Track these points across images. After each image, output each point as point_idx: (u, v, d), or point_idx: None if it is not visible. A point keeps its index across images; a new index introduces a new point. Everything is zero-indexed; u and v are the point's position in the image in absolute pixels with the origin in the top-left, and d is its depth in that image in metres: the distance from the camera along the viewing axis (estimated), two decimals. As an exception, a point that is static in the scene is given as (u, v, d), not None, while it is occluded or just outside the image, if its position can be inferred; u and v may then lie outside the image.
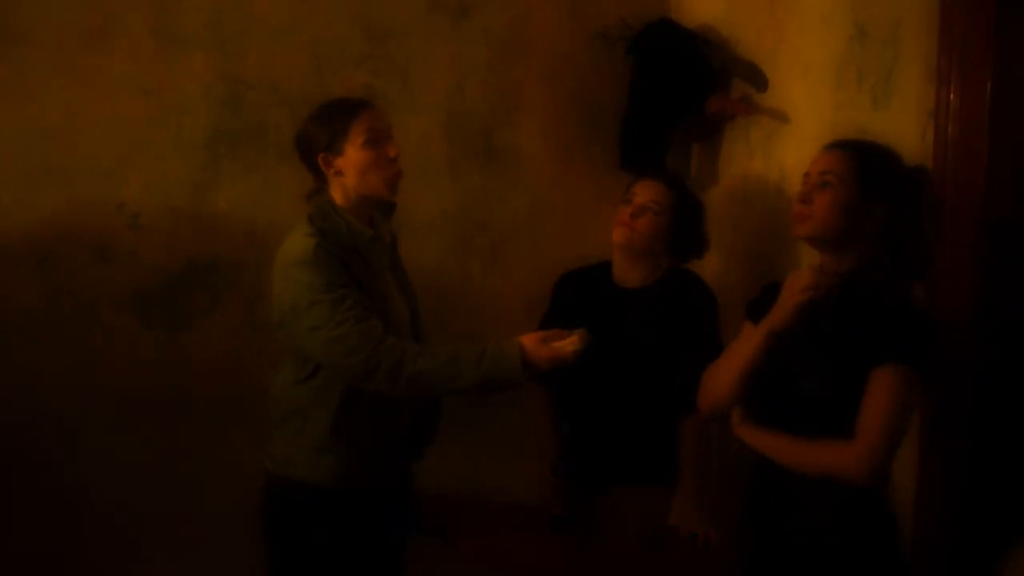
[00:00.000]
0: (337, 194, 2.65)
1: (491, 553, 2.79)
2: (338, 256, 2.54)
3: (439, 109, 3.57)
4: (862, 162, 2.31)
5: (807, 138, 3.01)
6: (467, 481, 3.09)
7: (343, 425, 2.61)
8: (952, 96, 2.52)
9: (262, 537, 2.70)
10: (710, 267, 3.36)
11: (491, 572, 2.82)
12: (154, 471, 3.29)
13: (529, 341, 2.47)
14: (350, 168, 2.60)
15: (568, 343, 2.46)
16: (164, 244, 3.31)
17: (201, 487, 3.25)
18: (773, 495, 2.35)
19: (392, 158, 2.62)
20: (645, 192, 2.99)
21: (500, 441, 3.23)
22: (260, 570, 2.71)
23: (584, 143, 3.67)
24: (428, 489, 2.93)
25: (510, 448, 3.21)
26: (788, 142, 3.17)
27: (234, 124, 3.36)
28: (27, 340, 3.21)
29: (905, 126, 2.64)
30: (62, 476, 3.23)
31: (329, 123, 2.61)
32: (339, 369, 2.53)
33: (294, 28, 3.43)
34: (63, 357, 3.24)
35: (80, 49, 3.25)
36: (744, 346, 2.37)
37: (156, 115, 3.31)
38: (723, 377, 2.41)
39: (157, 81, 3.31)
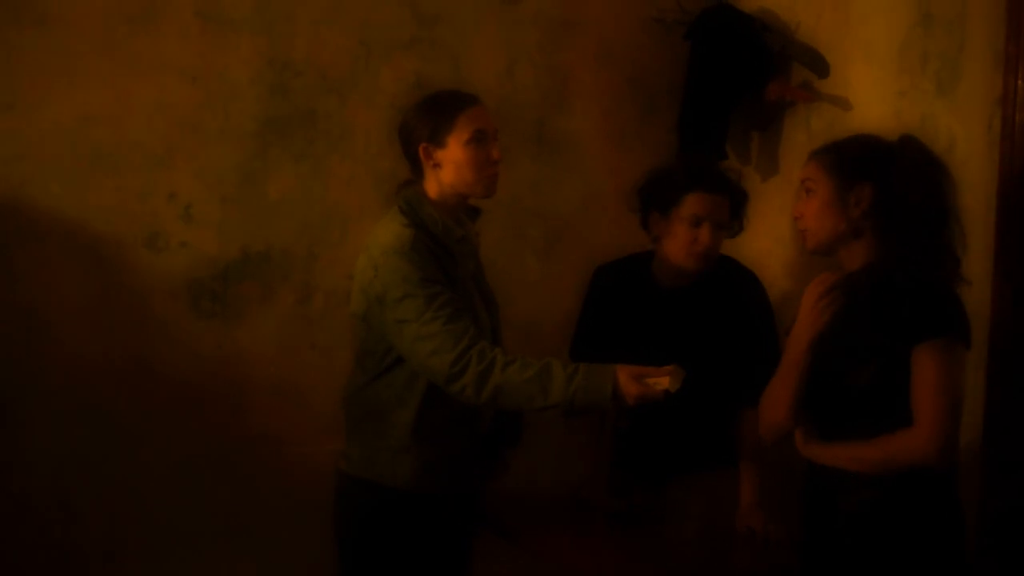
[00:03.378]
0: (432, 188, 2.71)
1: (551, 549, 2.87)
2: (431, 250, 2.61)
3: (490, 95, 3.51)
4: (834, 154, 2.41)
5: (870, 125, 2.99)
6: (526, 478, 3.15)
7: (424, 426, 2.66)
8: (1020, 83, 2.59)
9: (334, 537, 2.79)
10: (768, 256, 3.47)
11: (551, 568, 2.90)
12: (207, 462, 3.43)
13: (623, 373, 2.47)
14: (449, 163, 2.66)
15: (662, 380, 2.48)
16: (215, 234, 3.43)
17: (253, 479, 3.39)
18: (827, 481, 2.43)
19: (495, 160, 2.67)
20: (712, 212, 2.93)
21: (558, 437, 3.36)
22: (314, 563, 2.86)
23: (639, 129, 3.75)
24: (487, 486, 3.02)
25: (568, 444, 3.28)
26: (850, 130, 3.09)
27: (283, 111, 3.47)
28: (79, 331, 3.34)
29: (970, 114, 2.71)
30: (115, 468, 3.37)
31: (435, 114, 2.67)
32: (423, 369, 2.57)
33: (342, 11, 3.54)
34: (115, 348, 3.37)
35: (126, 33, 3.36)
36: (787, 369, 2.45)
37: (204, 101, 3.42)
38: (776, 401, 2.48)
39: (204, 66, 3.42)
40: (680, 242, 2.93)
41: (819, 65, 3.34)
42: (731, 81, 3.55)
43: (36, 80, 3.30)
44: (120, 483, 3.38)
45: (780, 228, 3.50)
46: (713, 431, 3.01)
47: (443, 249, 2.67)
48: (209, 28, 3.44)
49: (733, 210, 2.97)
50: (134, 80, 3.38)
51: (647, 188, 3.01)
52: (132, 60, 3.38)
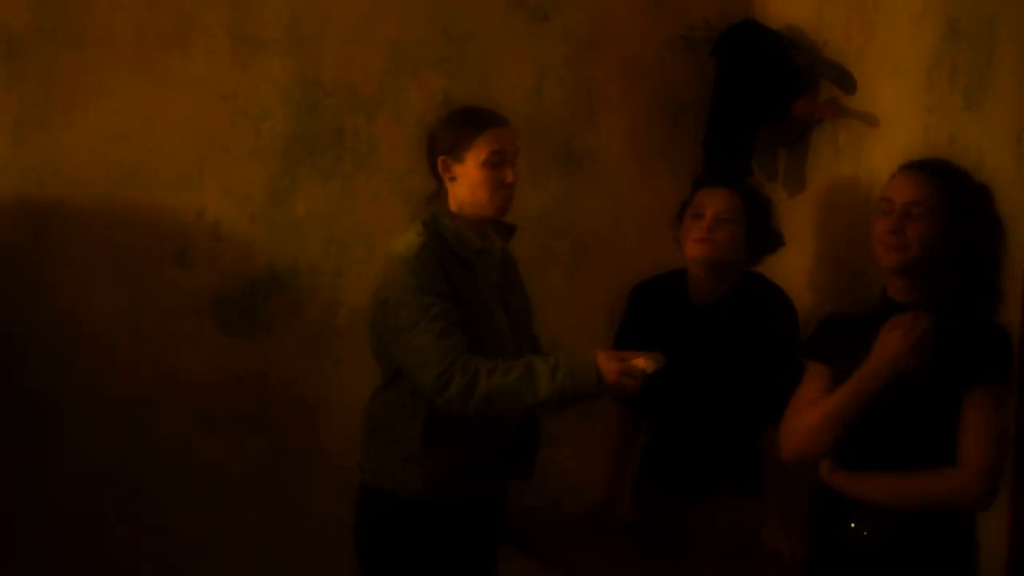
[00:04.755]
0: (452, 200, 2.77)
1: (575, 565, 2.89)
2: (441, 262, 2.66)
3: (517, 112, 3.56)
4: (949, 190, 2.42)
5: (897, 141, 3.08)
6: (550, 492, 3.21)
7: (433, 435, 2.70)
8: (1049, 97, 2.56)
9: (354, 548, 2.83)
10: (796, 274, 3.46)
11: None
12: (234, 476, 3.49)
13: (602, 354, 2.59)
14: (464, 178, 2.72)
15: (640, 360, 2.58)
16: (243, 251, 3.49)
17: (279, 493, 3.45)
18: (842, 507, 2.44)
19: (508, 183, 2.73)
20: (714, 203, 3.06)
21: (583, 453, 3.39)
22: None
23: (666, 146, 3.77)
24: (513, 499, 3.02)
25: (592, 459, 3.35)
26: (878, 145, 3.22)
27: (311, 129, 3.53)
28: (109, 345, 3.43)
29: (999, 128, 2.69)
30: (143, 480, 3.45)
31: (458, 128, 2.74)
32: (411, 381, 2.65)
33: (370, 30, 3.59)
34: (145, 362, 3.44)
35: (157, 52, 3.44)
36: (843, 397, 2.40)
37: (234, 120, 3.50)
38: (813, 428, 2.45)
39: (234, 85, 3.50)
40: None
41: (846, 81, 3.33)
42: (757, 98, 3.55)
43: (70, 99, 3.40)
44: (148, 495, 3.45)
45: (807, 244, 3.51)
46: (738, 449, 3.03)
47: (458, 260, 2.72)
48: (240, 48, 3.51)
49: None
50: (165, 99, 3.46)
51: None
52: (164, 79, 3.46)
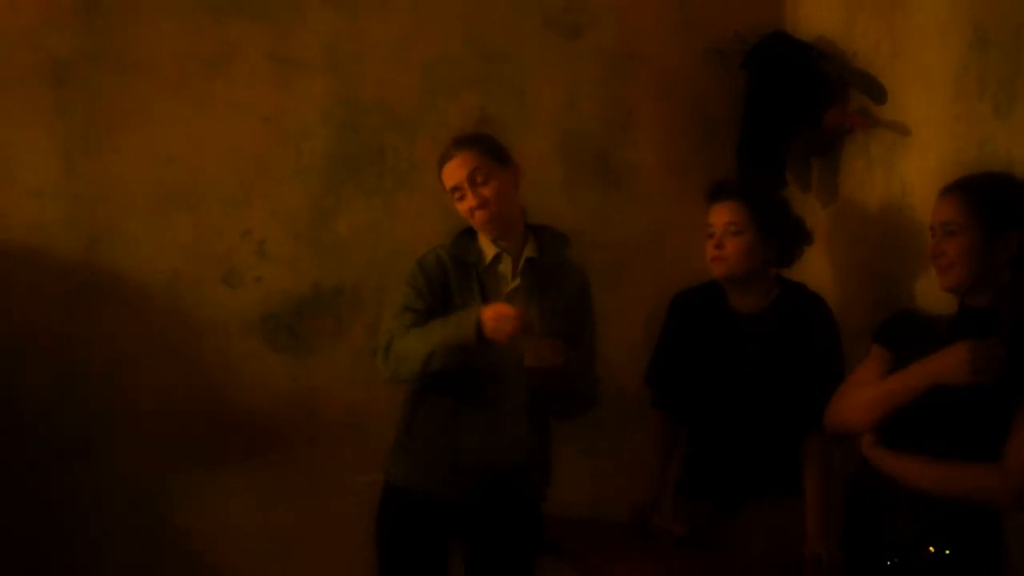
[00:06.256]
0: None
1: (616, 574, 2.91)
2: (444, 269, 2.89)
3: (553, 128, 3.77)
4: (979, 200, 2.47)
5: (929, 150, 3.13)
6: (593, 501, 3.30)
7: (415, 425, 2.95)
8: (1079, 105, 2.60)
9: None
10: (829, 284, 3.51)
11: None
12: (282, 491, 3.57)
13: (486, 308, 2.76)
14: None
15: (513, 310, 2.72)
16: (288, 270, 3.59)
17: (326, 508, 3.52)
18: (873, 511, 2.51)
19: (471, 207, 2.89)
20: (719, 218, 3.09)
21: (625, 462, 3.44)
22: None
23: (701, 159, 3.81)
24: (554, 509, 3.09)
25: (635, 468, 3.38)
26: (909, 155, 3.25)
27: (352, 149, 3.62)
28: (159, 363, 3.52)
29: None
30: (193, 496, 3.54)
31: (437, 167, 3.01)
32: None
33: (407, 51, 3.68)
34: (193, 380, 3.54)
35: (200, 76, 3.55)
36: (897, 383, 2.50)
37: (276, 141, 3.60)
38: (862, 404, 2.56)
39: (276, 107, 3.60)
40: None
41: (876, 91, 3.38)
42: (789, 109, 3.60)
43: (116, 124, 3.51)
44: (198, 507, 3.54)
45: (840, 254, 3.56)
46: (779, 457, 3.05)
47: (463, 270, 2.92)
48: (281, 70, 3.61)
49: None
50: (209, 122, 3.57)
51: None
52: (207, 102, 3.56)
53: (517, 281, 2.96)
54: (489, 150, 2.95)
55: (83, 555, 3.51)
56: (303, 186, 3.63)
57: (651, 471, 3.26)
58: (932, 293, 2.80)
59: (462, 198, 2.92)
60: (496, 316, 2.71)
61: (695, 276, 3.24)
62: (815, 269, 3.50)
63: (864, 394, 2.58)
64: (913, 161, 3.25)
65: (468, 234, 3.00)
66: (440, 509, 2.92)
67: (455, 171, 2.92)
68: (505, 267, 2.96)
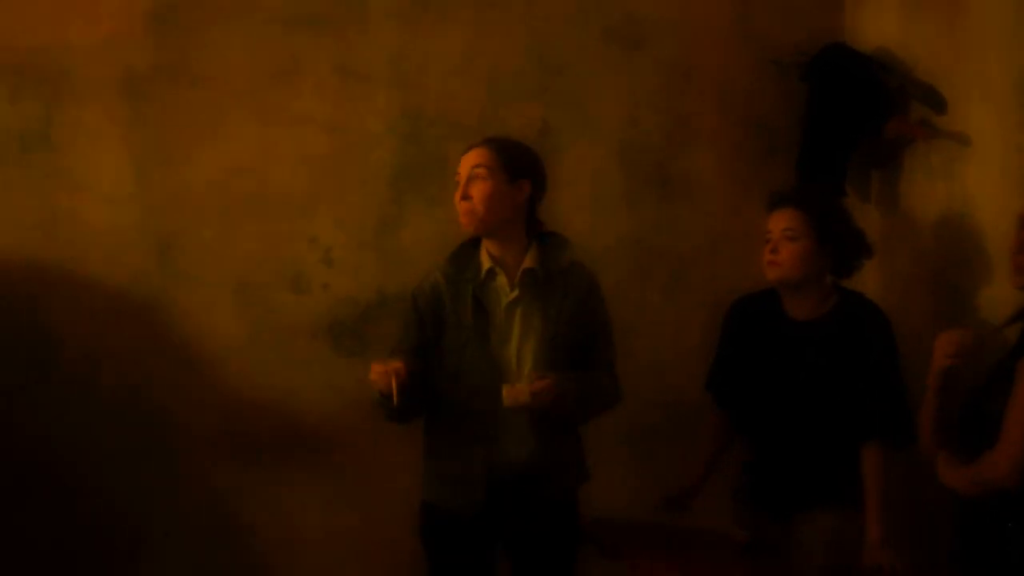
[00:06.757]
0: None
1: None
2: (435, 298, 2.98)
3: (613, 139, 3.80)
4: None
5: (990, 160, 3.13)
6: (650, 507, 3.28)
7: (430, 440, 3.03)
8: None
9: None
10: (890, 294, 3.51)
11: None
12: (349, 493, 3.67)
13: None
14: None
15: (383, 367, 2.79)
16: (354, 276, 3.66)
17: (391, 509, 3.54)
18: (983, 526, 2.52)
19: (458, 201, 2.94)
20: (776, 223, 3.11)
21: (682, 469, 3.46)
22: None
23: (760, 169, 3.81)
24: (610, 514, 3.16)
25: (674, 471, 3.41)
26: (970, 165, 3.25)
27: (417, 159, 3.69)
28: (229, 367, 3.63)
29: None
30: (263, 496, 3.64)
31: None
32: None
33: (470, 63, 3.74)
34: (263, 383, 3.63)
35: (269, 89, 3.65)
36: (926, 404, 2.63)
37: (342, 151, 3.68)
38: (921, 428, 2.68)
39: (343, 118, 3.68)
40: None
41: (936, 101, 3.39)
42: (849, 119, 3.61)
43: (189, 135, 3.61)
44: (272, 507, 3.64)
45: (900, 265, 3.56)
46: (836, 466, 3.06)
47: (457, 287, 2.98)
48: (347, 82, 3.69)
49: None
50: (277, 133, 3.66)
51: None
52: (275, 114, 3.66)
53: (516, 293, 2.97)
54: (504, 157, 2.96)
55: (150, 554, 3.63)
56: (368, 195, 3.70)
57: (699, 464, 3.33)
58: (999, 301, 2.83)
59: (457, 185, 2.97)
60: (374, 371, 2.79)
61: (753, 285, 3.26)
62: (875, 280, 3.50)
63: (920, 418, 2.68)
64: (974, 171, 3.25)
65: (471, 244, 3.04)
66: (464, 520, 2.97)
67: (464, 161, 2.97)
68: (502, 280, 2.98)
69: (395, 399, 2.75)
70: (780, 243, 3.09)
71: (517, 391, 2.78)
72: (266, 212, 3.65)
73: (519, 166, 2.96)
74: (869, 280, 3.39)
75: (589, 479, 3.08)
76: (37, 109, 3.55)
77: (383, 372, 2.77)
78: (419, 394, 2.87)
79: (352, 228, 3.70)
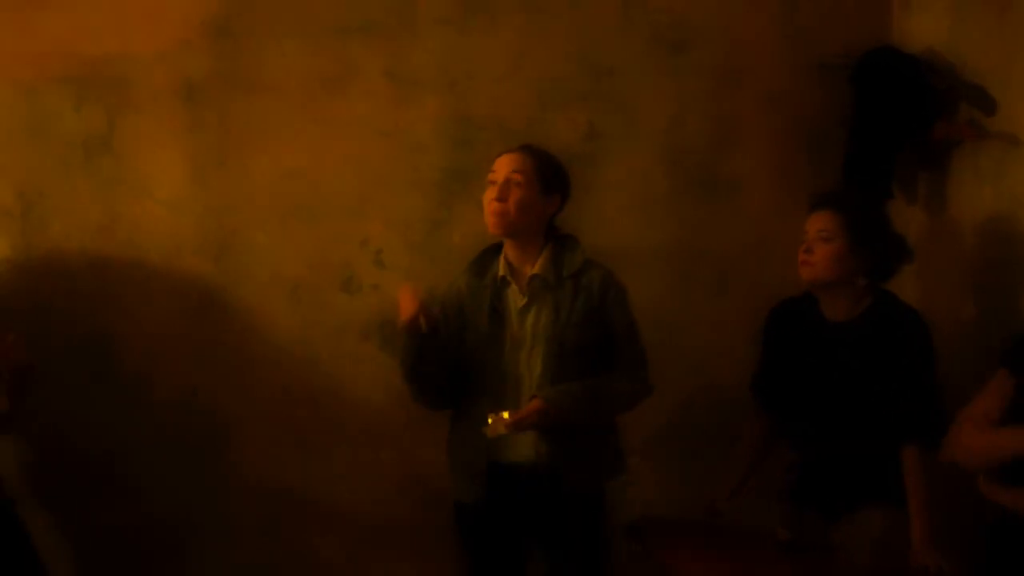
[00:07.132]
0: None
1: None
2: (456, 302, 3.08)
3: (660, 143, 3.82)
4: None
5: None
6: (697, 507, 3.31)
7: (452, 438, 3.14)
8: None
9: None
10: (935, 296, 3.52)
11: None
12: (400, 488, 3.76)
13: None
14: None
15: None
16: (404, 278, 3.66)
17: (443, 502, 3.53)
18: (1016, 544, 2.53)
19: (490, 199, 2.98)
20: (812, 224, 3.13)
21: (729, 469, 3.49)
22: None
23: (807, 172, 3.80)
24: (656, 512, 3.20)
25: (716, 469, 3.45)
26: (1019, 167, 3.24)
27: (466, 162, 3.73)
28: (282, 365, 3.73)
29: None
30: (314, 491, 3.74)
31: None
32: None
33: (518, 68, 3.79)
34: (315, 381, 3.73)
35: (321, 95, 3.72)
36: (1006, 439, 2.54)
37: (393, 155, 3.74)
38: (975, 452, 2.60)
39: (393, 122, 3.75)
40: None
41: (985, 102, 3.38)
42: (897, 121, 3.60)
43: (244, 140, 3.71)
44: (323, 504, 3.74)
45: (946, 267, 3.55)
46: (878, 466, 3.06)
47: (477, 292, 3.07)
48: (397, 88, 3.75)
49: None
50: (329, 137, 3.74)
51: None
52: (328, 119, 3.73)
53: (525, 299, 3.04)
54: (542, 169, 3.03)
55: (212, 551, 3.74)
56: (418, 198, 3.77)
57: (740, 464, 3.36)
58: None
59: (492, 185, 3.01)
60: (403, 297, 2.92)
61: (798, 288, 3.26)
62: (920, 280, 3.50)
63: (980, 441, 2.59)
64: (1023, 172, 3.24)
65: (492, 251, 3.12)
66: (478, 512, 3.07)
67: (503, 164, 3.02)
68: (514, 287, 3.05)
69: (423, 325, 2.85)
70: (815, 243, 3.11)
71: (497, 423, 2.86)
72: (319, 215, 3.74)
73: (554, 179, 3.05)
74: (913, 282, 3.40)
75: (623, 473, 3.13)
76: (100, 116, 3.67)
77: (405, 295, 2.88)
78: (435, 358, 2.97)
79: (402, 230, 3.77)
